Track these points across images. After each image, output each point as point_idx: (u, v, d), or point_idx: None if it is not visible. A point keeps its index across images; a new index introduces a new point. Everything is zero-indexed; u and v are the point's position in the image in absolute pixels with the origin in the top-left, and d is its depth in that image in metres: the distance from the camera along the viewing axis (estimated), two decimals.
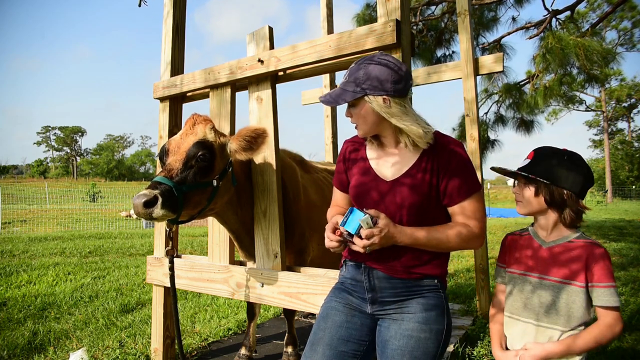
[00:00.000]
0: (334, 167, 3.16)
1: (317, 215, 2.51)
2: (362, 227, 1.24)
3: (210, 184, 1.87)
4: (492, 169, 1.60)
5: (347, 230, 1.27)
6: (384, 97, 1.32)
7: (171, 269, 2.03)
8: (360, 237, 1.25)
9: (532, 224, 1.54)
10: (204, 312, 3.92)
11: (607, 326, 1.31)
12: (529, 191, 1.44)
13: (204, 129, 1.93)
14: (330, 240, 1.32)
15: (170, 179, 1.74)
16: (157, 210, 1.65)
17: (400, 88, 1.33)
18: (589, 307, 1.37)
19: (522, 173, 1.45)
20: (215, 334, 3.32)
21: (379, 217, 1.28)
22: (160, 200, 1.65)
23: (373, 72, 1.32)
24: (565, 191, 1.38)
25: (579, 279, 1.35)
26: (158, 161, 2.04)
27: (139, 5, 2.81)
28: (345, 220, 1.27)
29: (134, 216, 1.63)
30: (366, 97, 1.34)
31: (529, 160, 1.48)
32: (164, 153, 1.89)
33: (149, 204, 1.63)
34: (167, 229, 2.00)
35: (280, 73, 2.29)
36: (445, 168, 1.35)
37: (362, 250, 1.26)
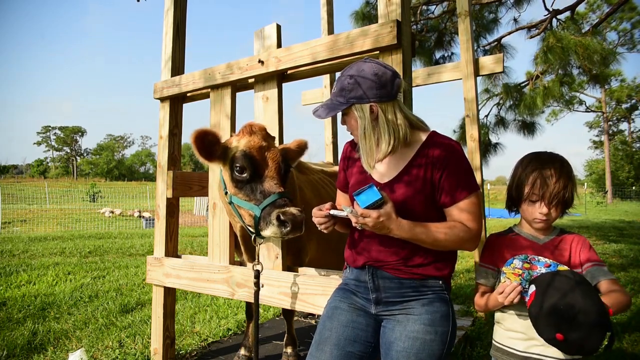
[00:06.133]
0: (330, 169, 3.16)
1: None
2: (370, 204, 1.26)
3: None
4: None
5: (354, 199, 1.28)
6: (371, 104, 1.33)
7: (256, 284, 1.96)
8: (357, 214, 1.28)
9: (515, 225, 1.56)
10: (203, 312, 3.92)
11: (623, 293, 1.30)
12: (555, 213, 1.45)
13: (273, 142, 1.97)
14: (316, 217, 1.39)
15: (287, 191, 1.79)
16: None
17: (386, 92, 1.33)
18: None
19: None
20: (214, 334, 3.32)
21: (386, 204, 1.28)
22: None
23: (357, 81, 1.33)
24: (576, 194, 1.44)
25: (577, 267, 1.40)
26: (233, 173, 1.86)
27: (138, 0, 2.84)
28: (360, 192, 1.28)
29: (279, 232, 1.68)
30: (353, 107, 1.35)
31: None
32: (254, 162, 1.82)
33: (305, 221, 1.66)
34: (258, 244, 1.95)
35: None
36: (442, 168, 1.34)
37: (353, 220, 1.28)
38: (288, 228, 1.63)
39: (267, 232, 1.70)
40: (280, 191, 1.75)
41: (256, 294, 1.95)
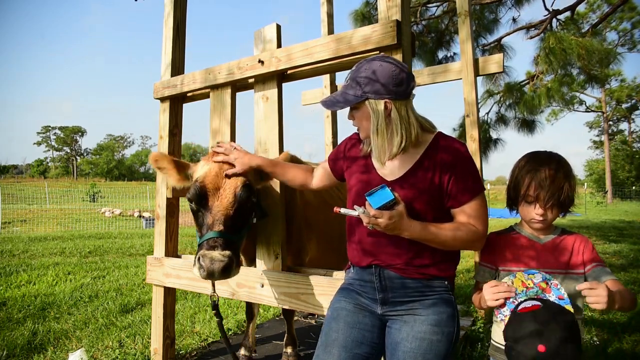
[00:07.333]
0: None
1: (314, 215, 2.50)
2: (383, 204, 1.25)
3: (251, 223, 1.85)
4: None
5: (367, 201, 1.27)
6: (386, 101, 1.32)
7: (216, 314, 1.87)
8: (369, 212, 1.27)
9: (516, 224, 1.56)
10: (203, 312, 3.92)
11: (629, 292, 1.29)
12: (552, 214, 1.44)
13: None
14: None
15: (228, 230, 1.64)
16: (234, 272, 1.59)
17: (402, 91, 1.33)
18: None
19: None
20: (215, 334, 3.32)
21: (398, 205, 1.27)
22: (235, 261, 1.58)
23: (374, 76, 1.32)
24: (573, 194, 1.43)
25: (579, 267, 1.41)
26: (190, 203, 1.79)
27: (136, 0, 2.88)
28: (372, 193, 1.27)
29: (199, 275, 1.57)
30: (367, 102, 1.34)
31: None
32: (202, 194, 1.72)
33: (229, 268, 1.54)
34: (214, 299, 1.85)
35: None
36: (448, 170, 1.35)
37: (365, 220, 1.26)
38: (204, 273, 1.53)
39: (193, 269, 1.60)
40: (219, 229, 1.62)
41: (219, 325, 1.88)
